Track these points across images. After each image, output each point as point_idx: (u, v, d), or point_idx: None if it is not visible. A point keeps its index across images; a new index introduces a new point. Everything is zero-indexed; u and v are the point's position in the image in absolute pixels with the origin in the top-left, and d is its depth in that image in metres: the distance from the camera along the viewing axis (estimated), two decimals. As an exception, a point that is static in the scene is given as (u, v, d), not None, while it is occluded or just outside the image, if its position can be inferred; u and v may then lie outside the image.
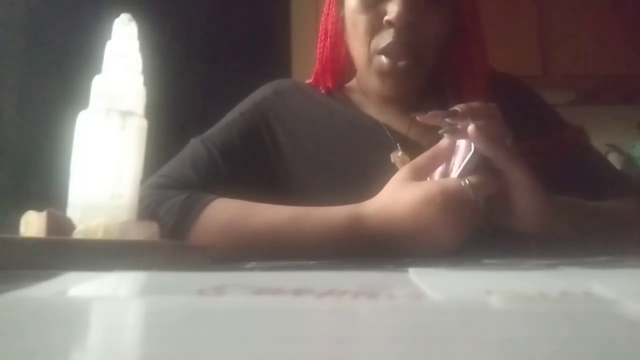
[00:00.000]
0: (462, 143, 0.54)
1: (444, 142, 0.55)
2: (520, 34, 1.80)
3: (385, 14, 0.62)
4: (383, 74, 0.64)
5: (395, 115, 0.71)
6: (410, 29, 0.61)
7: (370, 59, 0.65)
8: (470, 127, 0.50)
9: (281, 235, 0.56)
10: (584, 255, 0.45)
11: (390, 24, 0.61)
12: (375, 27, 0.63)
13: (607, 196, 0.65)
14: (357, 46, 0.67)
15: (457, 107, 0.52)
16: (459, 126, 0.51)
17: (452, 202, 0.50)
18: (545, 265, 0.37)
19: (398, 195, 0.53)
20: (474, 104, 0.53)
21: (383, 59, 0.63)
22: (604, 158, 0.79)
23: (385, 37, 0.62)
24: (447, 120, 0.52)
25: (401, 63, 0.63)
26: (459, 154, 0.54)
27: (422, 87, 0.72)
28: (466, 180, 0.51)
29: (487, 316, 0.16)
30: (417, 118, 0.55)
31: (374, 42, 0.64)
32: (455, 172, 0.53)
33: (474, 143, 0.51)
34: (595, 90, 1.98)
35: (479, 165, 0.51)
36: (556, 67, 1.85)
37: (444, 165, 0.56)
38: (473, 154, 0.51)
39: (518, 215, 0.54)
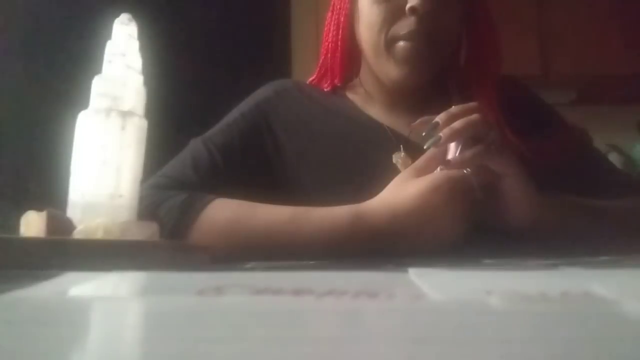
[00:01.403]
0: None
1: None
2: (520, 34, 1.80)
3: (405, 2, 0.62)
4: (401, 60, 0.64)
5: (398, 116, 0.71)
6: (432, 16, 0.62)
7: (387, 48, 0.65)
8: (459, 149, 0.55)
9: (281, 235, 0.56)
10: (584, 255, 0.45)
11: (413, 10, 0.61)
12: (395, 15, 0.63)
13: (609, 196, 0.65)
14: (371, 36, 0.66)
15: (438, 119, 0.54)
16: (441, 134, 0.54)
17: (457, 189, 0.53)
18: (545, 265, 0.37)
19: (402, 189, 0.55)
20: (453, 110, 0.55)
21: (401, 44, 0.64)
22: (606, 159, 0.80)
23: (406, 26, 0.63)
24: (430, 132, 0.54)
25: (421, 47, 0.63)
26: (451, 150, 0.56)
27: (427, 89, 0.72)
28: (467, 169, 0.53)
29: (487, 316, 0.16)
30: (409, 127, 0.59)
31: (392, 30, 0.64)
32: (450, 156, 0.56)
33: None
34: (595, 90, 1.97)
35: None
36: (556, 67, 1.84)
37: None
38: (463, 146, 0.54)
39: (510, 210, 0.55)
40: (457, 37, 0.68)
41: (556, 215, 0.57)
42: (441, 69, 0.69)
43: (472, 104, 0.56)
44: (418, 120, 0.57)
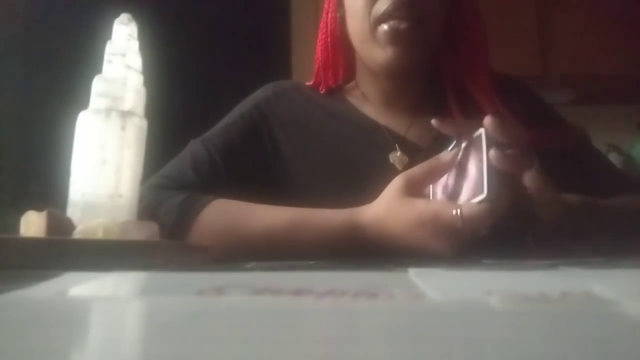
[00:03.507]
0: (471, 164, 0.51)
1: (446, 156, 0.53)
2: (520, 34, 1.80)
3: None
4: (386, 41, 0.63)
5: (394, 116, 0.71)
6: None
7: (372, 32, 0.64)
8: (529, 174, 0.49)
9: (279, 239, 0.56)
10: (584, 255, 0.45)
11: None
12: None
13: (608, 195, 0.65)
14: (357, 23, 0.66)
15: (492, 120, 0.49)
16: (483, 149, 0.49)
17: (441, 228, 0.50)
18: (545, 265, 0.37)
19: (392, 209, 0.53)
20: (506, 124, 0.49)
21: (385, 25, 0.63)
22: (605, 158, 0.80)
23: (385, 2, 0.62)
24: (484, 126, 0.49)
25: (403, 26, 0.62)
26: (469, 180, 0.51)
27: (422, 89, 0.72)
28: (458, 211, 0.49)
29: (487, 316, 0.16)
30: (433, 122, 0.54)
31: (374, 11, 0.63)
32: (462, 201, 0.51)
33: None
34: (595, 90, 1.97)
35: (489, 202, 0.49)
36: (556, 67, 1.84)
37: (450, 178, 0.54)
38: (486, 196, 0.48)
39: (535, 221, 0.53)
40: (444, 21, 0.67)
41: (575, 218, 0.56)
42: (430, 55, 0.68)
43: (516, 126, 0.51)
44: (447, 121, 0.53)
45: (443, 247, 0.51)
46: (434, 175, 0.54)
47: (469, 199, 0.50)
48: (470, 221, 0.48)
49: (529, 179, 0.50)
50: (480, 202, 0.48)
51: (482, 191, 0.48)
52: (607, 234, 0.58)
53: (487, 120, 0.49)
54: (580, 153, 0.72)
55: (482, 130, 0.51)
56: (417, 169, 0.54)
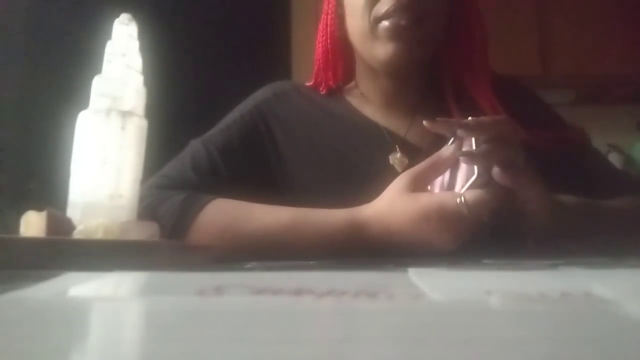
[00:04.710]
0: None
1: (446, 151, 0.54)
2: (520, 34, 1.80)
3: None
4: (387, 37, 0.63)
5: (394, 117, 0.71)
6: None
7: (372, 30, 0.64)
8: (495, 170, 0.50)
9: (279, 239, 0.56)
10: (584, 255, 0.45)
11: None
12: None
13: (608, 196, 0.65)
14: (356, 22, 0.66)
15: (469, 121, 0.51)
16: (473, 148, 0.50)
17: (447, 219, 0.50)
18: (545, 265, 0.37)
19: (396, 205, 0.53)
20: (484, 119, 0.51)
21: (385, 22, 0.63)
22: (605, 158, 0.80)
23: (386, 3, 0.62)
24: (458, 132, 0.51)
25: (404, 22, 0.62)
26: (462, 170, 0.53)
27: (422, 90, 0.72)
28: (462, 198, 0.50)
29: (487, 316, 0.16)
30: (425, 124, 0.54)
31: (374, 11, 0.63)
32: (458, 190, 0.52)
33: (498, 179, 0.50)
34: (595, 90, 1.97)
35: (483, 184, 0.50)
36: (556, 67, 1.84)
37: (446, 174, 0.55)
38: (477, 177, 0.50)
39: (527, 219, 0.54)
40: (444, 20, 0.67)
41: (571, 220, 0.57)
42: (430, 53, 0.68)
43: (501, 119, 0.52)
44: (438, 120, 0.53)
45: (448, 239, 0.51)
46: (436, 171, 0.55)
47: (463, 185, 0.51)
48: (475, 206, 0.49)
49: (509, 175, 0.50)
50: (474, 182, 0.50)
51: (473, 173, 0.50)
52: (607, 234, 0.59)
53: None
54: (580, 154, 0.72)
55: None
56: (420, 166, 0.55)
